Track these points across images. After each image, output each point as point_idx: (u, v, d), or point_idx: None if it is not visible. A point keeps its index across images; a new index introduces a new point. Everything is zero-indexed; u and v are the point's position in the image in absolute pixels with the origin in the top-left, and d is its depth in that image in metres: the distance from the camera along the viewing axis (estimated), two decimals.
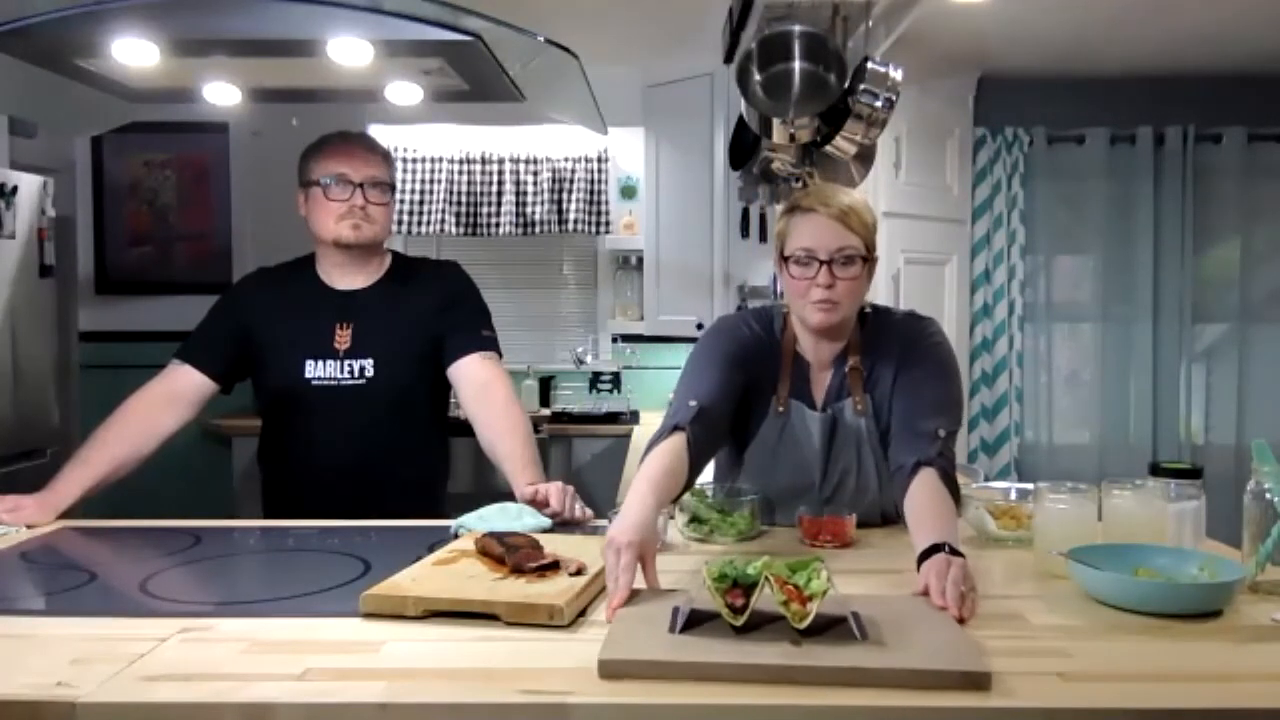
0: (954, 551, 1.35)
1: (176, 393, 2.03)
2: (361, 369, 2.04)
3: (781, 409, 1.77)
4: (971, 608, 1.27)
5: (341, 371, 2.04)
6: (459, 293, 2.15)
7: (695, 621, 1.16)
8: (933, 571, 1.31)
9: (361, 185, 2.02)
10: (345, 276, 2.10)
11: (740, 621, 1.12)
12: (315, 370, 2.04)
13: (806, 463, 1.76)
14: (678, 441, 1.60)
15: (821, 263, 1.66)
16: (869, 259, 1.70)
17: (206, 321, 2.13)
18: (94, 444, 1.94)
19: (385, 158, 2.10)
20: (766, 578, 1.15)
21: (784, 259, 1.72)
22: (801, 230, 1.69)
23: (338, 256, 2.08)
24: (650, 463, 1.56)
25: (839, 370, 1.77)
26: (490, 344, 2.10)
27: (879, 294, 3.41)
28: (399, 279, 2.13)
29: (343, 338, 2.05)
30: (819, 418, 1.76)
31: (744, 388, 1.76)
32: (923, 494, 1.54)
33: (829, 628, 1.14)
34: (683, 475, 1.59)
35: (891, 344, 1.75)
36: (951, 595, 1.25)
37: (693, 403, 1.67)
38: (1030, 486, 1.78)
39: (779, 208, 3.63)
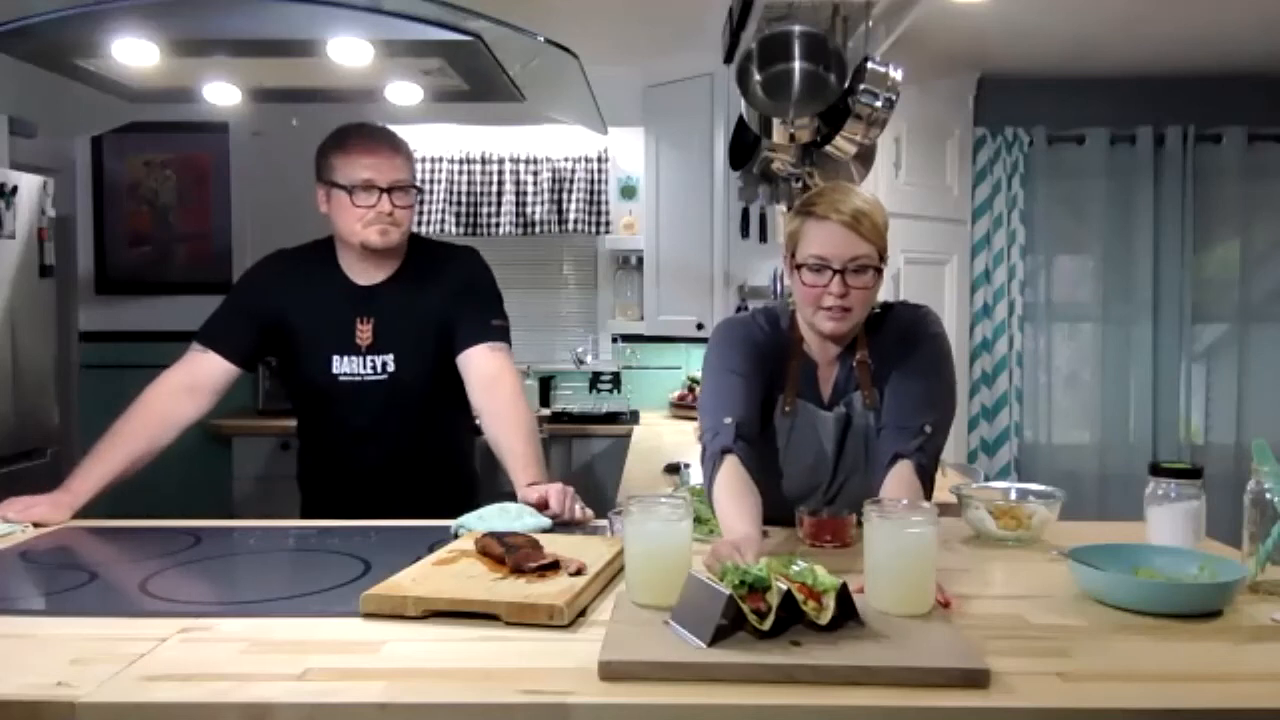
0: None
1: (198, 381, 2.01)
2: (384, 364, 2.04)
3: (789, 409, 1.75)
4: None
5: (365, 367, 2.04)
6: (471, 280, 2.12)
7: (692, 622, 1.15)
8: None
9: (389, 190, 2.00)
10: (366, 271, 2.08)
11: (767, 625, 1.10)
12: (341, 366, 2.04)
13: (817, 463, 1.75)
14: (734, 463, 1.59)
15: (835, 271, 1.62)
16: (881, 267, 1.66)
17: (227, 305, 2.10)
18: (111, 438, 1.92)
19: (408, 157, 2.07)
20: (784, 580, 1.14)
21: (795, 263, 1.68)
22: (814, 237, 1.64)
23: (360, 254, 2.07)
24: (724, 491, 1.55)
25: (846, 364, 1.75)
26: (499, 334, 2.07)
27: (880, 293, 3.40)
28: (416, 270, 2.11)
29: (364, 333, 2.04)
30: (830, 416, 1.74)
31: (766, 390, 1.74)
32: (894, 486, 1.57)
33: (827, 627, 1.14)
34: (755, 491, 1.57)
35: (892, 336, 1.74)
36: None
37: (728, 420, 1.64)
38: (1032, 486, 1.78)
39: (780, 208, 3.64)
